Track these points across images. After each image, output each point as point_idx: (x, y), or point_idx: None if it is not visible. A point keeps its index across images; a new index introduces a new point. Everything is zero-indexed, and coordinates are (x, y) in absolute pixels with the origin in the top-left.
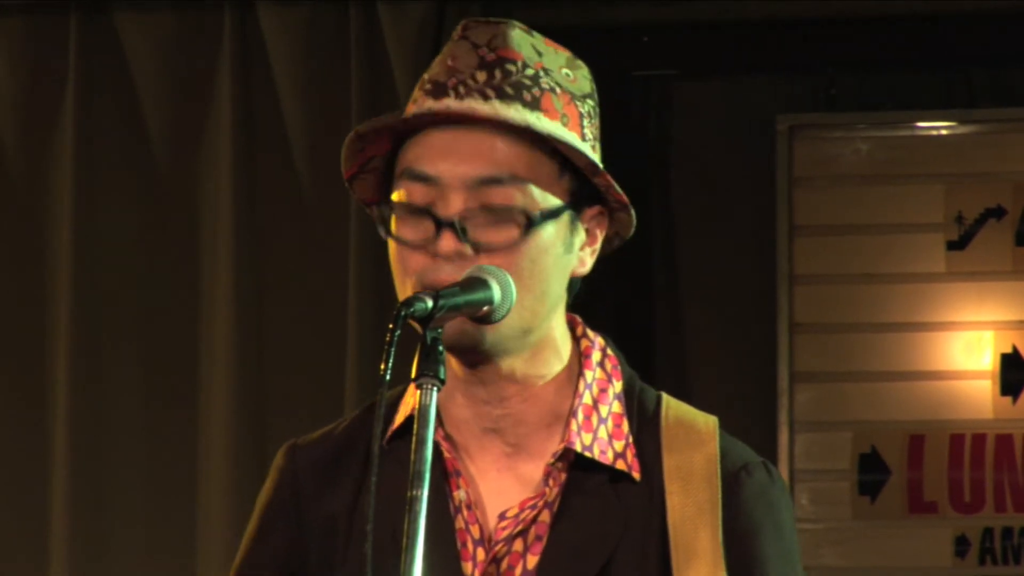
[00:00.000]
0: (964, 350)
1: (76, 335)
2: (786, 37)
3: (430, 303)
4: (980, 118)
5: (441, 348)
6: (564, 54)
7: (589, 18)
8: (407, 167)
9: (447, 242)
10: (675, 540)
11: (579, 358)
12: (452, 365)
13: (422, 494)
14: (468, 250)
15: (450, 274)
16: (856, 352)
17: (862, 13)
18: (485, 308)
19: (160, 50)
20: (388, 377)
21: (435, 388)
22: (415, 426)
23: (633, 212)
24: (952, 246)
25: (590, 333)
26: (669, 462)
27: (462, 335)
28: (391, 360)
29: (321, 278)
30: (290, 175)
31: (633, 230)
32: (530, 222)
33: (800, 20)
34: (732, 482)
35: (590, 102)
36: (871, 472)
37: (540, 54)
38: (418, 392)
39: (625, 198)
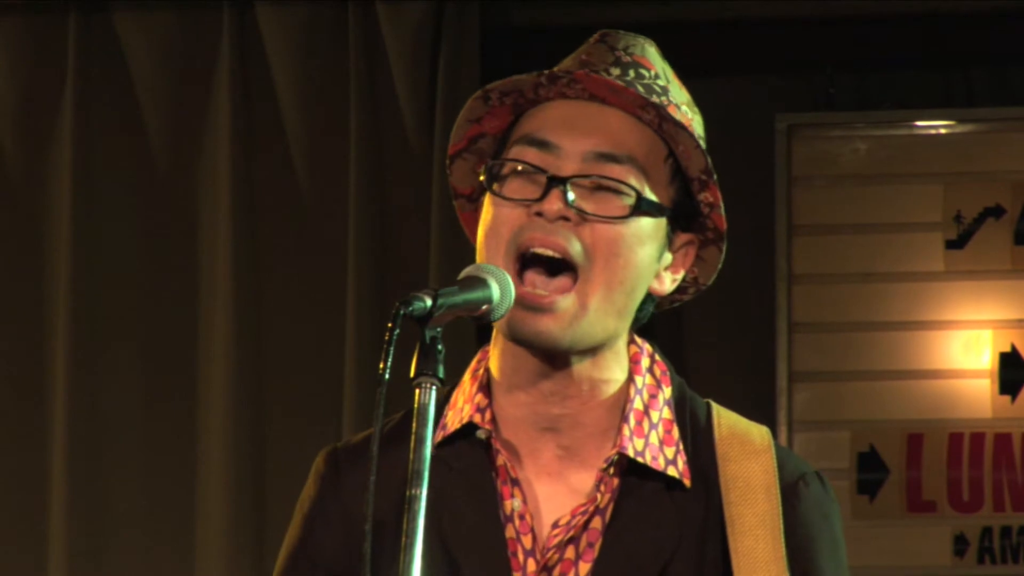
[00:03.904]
0: (963, 349)
1: (75, 334)
2: (785, 36)
3: (429, 302)
4: (979, 117)
5: (440, 347)
6: (687, 95)
7: (587, 18)
8: (526, 133)
9: (553, 201)
10: (736, 550)
11: (629, 364)
12: (522, 359)
13: (421, 493)
14: (573, 215)
15: (549, 234)
16: (855, 351)
17: (861, 13)
18: (484, 307)
19: (159, 50)
20: (387, 376)
21: (433, 387)
22: (414, 425)
23: (724, 248)
24: (951, 245)
25: (638, 339)
26: (726, 472)
27: (540, 335)
28: (390, 359)
29: (320, 277)
30: (289, 174)
31: (715, 277)
32: (639, 203)
33: (799, 20)
34: (791, 494)
35: (703, 142)
36: (870, 471)
37: (668, 81)
38: (416, 392)
39: (724, 224)
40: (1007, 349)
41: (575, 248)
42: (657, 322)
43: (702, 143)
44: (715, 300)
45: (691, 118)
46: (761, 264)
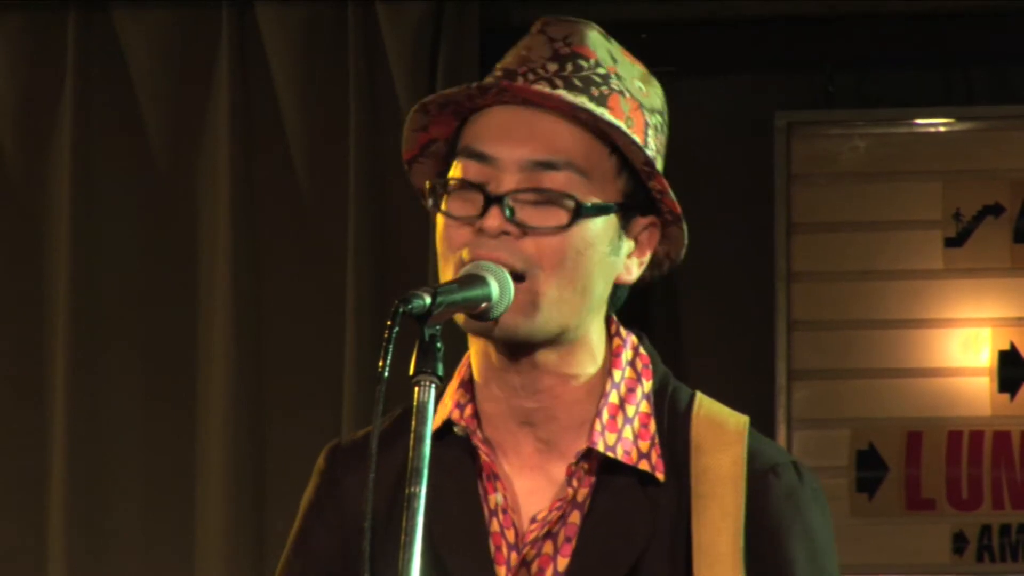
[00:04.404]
0: (962, 347)
1: (75, 334)
2: (784, 34)
3: (428, 300)
4: (978, 115)
5: (439, 345)
6: (640, 68)
7: (587, 16)
8: (466, 144)
9: (492, 219)
10: (698, 543)
11: (610, 357)
12: (490, 354)
13: (420, 491)
14: (514, 230)
15: (493, 250)
16: (854, 349)
17: (860, 10)
18: (483, 305)
19: (158, 49)
20: (386, 374)
21: (432, 385)
22: (413, 423)
23: (685, 227)
24: (950, 243)
25: (623, 331)
26: (697, 463)
27: (496, 327)
28: (389, 357)
29: (320, 277)
30: (289, 174)
31: (685, 250)
32: (579, 210)
33: (798, 17)
34: (759, 484)
35: (659, 117)
36: (869, 469)
37: (615, 61)
38: (416, 390)
39: (678, 208)
40: (1006, 347)
41: (520, 261)
42: (656, 321)
43: (656, 119)
44: (714, 299)
45: (646, 92)
46: (760, 262)
